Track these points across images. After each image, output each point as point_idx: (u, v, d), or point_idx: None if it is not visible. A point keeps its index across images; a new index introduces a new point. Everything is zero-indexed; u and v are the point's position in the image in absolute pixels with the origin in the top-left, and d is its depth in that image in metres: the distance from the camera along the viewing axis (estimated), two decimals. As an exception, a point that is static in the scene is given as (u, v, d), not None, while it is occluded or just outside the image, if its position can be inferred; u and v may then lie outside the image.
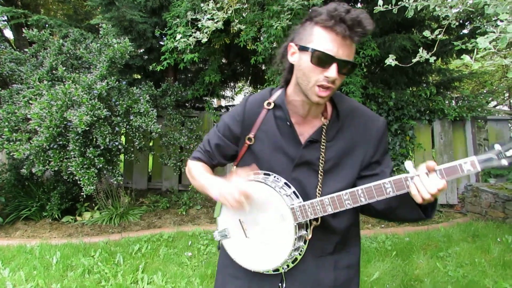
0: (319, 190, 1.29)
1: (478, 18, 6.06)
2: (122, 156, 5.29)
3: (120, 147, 4.59)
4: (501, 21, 2.53)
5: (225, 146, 1.46)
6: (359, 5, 6.57)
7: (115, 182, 4.65)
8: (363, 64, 5.70)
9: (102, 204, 5.35)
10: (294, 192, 1.29)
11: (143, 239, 4.53)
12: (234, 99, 10.23)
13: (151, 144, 6.13)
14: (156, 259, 4.08)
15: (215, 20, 3.88)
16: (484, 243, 4.52)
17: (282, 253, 1.28)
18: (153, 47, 5.85)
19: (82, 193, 4.29)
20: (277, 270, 1.34)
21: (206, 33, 3.91)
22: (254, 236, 1.35)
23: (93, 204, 5.51)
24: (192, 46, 4.35)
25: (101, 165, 4.30)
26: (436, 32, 3.10)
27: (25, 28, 5.19)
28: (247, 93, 11.95)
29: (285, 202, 1.25)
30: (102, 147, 4.33)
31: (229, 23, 4.57)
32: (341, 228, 1.37)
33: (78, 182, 4.23)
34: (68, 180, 4.63)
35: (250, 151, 1.39)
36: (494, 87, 10.56)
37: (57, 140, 4.29)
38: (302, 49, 1.20)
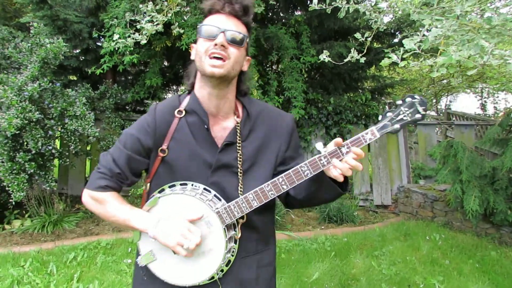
0: (240, 190, 1.30)
1: (407, 28, 6.53)
2: (56, 161, 5.03)
3: (53, 151, 4.37)
4: (423, 27, 2.78)
5: (136, 163, 1.34)
6: (298, 12, 6.81)
7: (48, 188, 4.41)
8: (303, 70, 5.92)
9: (33, 211, 5.04)
10: (215, 195, 1.28)
11: (79, 247, 4.34)
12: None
13: (88, 148, 5.90)
14: (93, 267, 3.92)
15: (155, 23, 3.84)
16: (414, 242, 4.80)
17: (216, 259, 1.27)
18: (90, 48, 5.65)
19: (11, 200, 4.04)
20: (212, 277, 1.31)
21: (145, 35, 3.85)
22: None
23: (24, 212, 5.18)
24: (131, 48, 4.26)
25: (32, 170, 4.07)
26: (366, 34, 3.30)
27: None
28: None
29: (209, 207, 1.24)
30: (33, 152, 4.10)
31: (170, 26, 4.54)
32: (261, 225, 1.39)
33: (7, 188, 3.99)
34: (-5, 186, 4.33)
35: (164, 163, 1.32)
36: (423, 94, 11.38)
37: (-18, 144, 4.00)
38: (196, 39, 1.29)
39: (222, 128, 1.34)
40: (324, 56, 3.08)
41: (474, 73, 2.58)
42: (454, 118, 9.99)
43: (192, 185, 1.29)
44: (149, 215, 1.28)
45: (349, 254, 4.44)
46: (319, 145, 1.20)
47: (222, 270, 1.32)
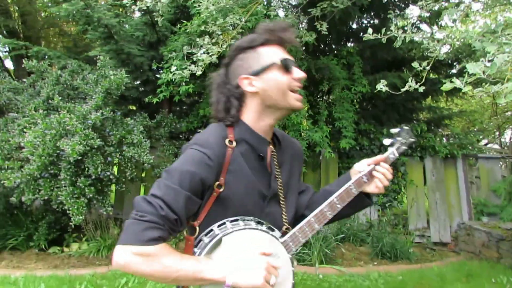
0: (284, 218, 1.30)
1: (466, 58, 6.29)
2: (113, 187, 5.25)
3: (111, 177, 4.58)
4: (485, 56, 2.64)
5: (192, 205, 1.14)
6: (350, 44, 6.81)
7: (105, 213, 4.60)
8: (355, 100, 5.84)
9: (90, 235, 5.25)
10: (269, 227, 1.22)
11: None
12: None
13: (143, 175, 6.12)
14: (143, 293, 3.97)
15: (210, 54, 4.00)
16: (478, 284, 4.42)
17: None
18: (149, 79, 5.97)
19: (70, 223, 4.23)
20: None
21: (200, 66, 4.01)
22: None
23: (81, 235, 5.42)
24: (187, 79, 4.44)
25: (91, 195, 4.27)
26: (424, 63, 3.20)
27: (25, 59, 5.29)
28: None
29: (275, 238, 1.20)
30: (93, 177, 4.31)
31: (224, 57, 4.70)
32: None
33: (67, 211, 4.18)
34: (57, 209, 4.57)
35: (218, 200, 1.17)
36: (484, 126, 10.75)
37: (49, 169, 4.27)
38: (261, 71, 1.24)
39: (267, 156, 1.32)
40: (381, 86, 3.02)
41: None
42: (520, 152, 9.30)
43: (243, 220, 1.18)
44: (220, 262, 1.10)
45: (405, 293, 4.17)
46: (358, 165, 1.40)
47: None
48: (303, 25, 4.71)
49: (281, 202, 1.30)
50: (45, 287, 3.94)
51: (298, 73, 1.26)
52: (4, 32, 9.16)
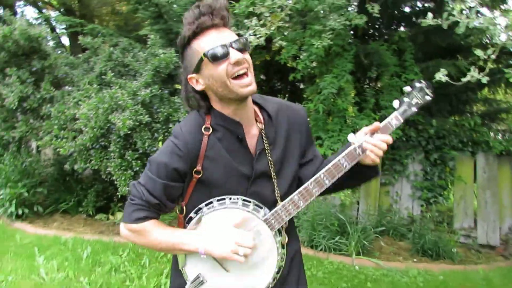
0: (277, 193, 1.32)
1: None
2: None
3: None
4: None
5: (172, 189, 1.29)
6: (402, 28, 6.51)
7: (149, 186, 4.77)
8: (403, 89, 5.60)
9: (134, 207, 5.49)
10: (256, 205, 1.28)
11: (171, 244, 4.59)
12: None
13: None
14: (181, 265, 4.11)
15: (257, 36, 3.97)
16: (530, 293, 4.12)
17: (270, 268, 1.28)
18: (196, 60, 6.05)
19: (117, 193, 4.46)
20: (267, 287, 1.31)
21: (247, 47, 4.00)
22: (235, 266, 1.27)
23: (126, 205, 5.70)
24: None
25: (137, 168, 4.44)
26: (489, 51, 2.92)
27: (81, 36, 5.54)
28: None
29: (256, 216, 1.25)
30: (140, 151, 4.48)
31: (270, 40, 4.66)
32: (292, 225, 1.46)
33: (115, 182, 4.41)
34: (105, 179, 4.82)
35: (200, 183, 1.28)
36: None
37: (100, 140, 4.50)
38: (198, 67, 1.21)
39: (250, 136, 1.33)
40: (441, 75, 2.84)
41: None
42: None
43: (230, 199, 1.26)
44: (196, 233, 1.26)
45: (447, 295, 3.97)
46: (351, 136, 1.28)
47: (274, 278, 1.31)
48: (353, 8, 4.55)
49: (273, 178, 1.32)
50: (92, 250, 4.22)
51: (234, 55, 1.16)
52: (62, 10, 9.63)
